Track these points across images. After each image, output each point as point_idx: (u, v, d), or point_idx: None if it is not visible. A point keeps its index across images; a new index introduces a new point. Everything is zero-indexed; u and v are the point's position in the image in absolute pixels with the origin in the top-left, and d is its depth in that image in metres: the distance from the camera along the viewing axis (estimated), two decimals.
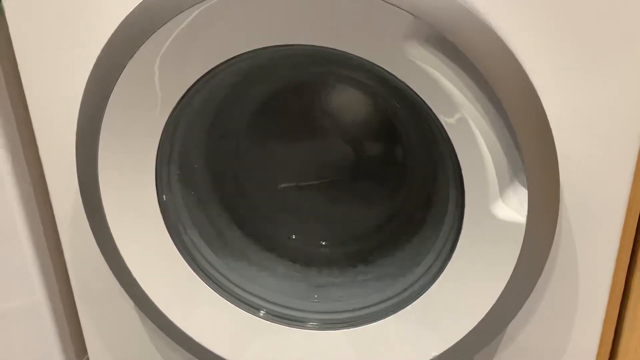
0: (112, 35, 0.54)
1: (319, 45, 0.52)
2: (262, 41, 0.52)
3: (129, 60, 0.53)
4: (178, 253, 0.66)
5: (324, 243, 0.78)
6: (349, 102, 0.74)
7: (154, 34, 0.52)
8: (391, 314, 0.64)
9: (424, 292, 0.62)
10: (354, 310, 0.68)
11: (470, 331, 0.59)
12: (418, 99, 0.52)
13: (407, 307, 0.63)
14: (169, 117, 0.59)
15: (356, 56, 0.51)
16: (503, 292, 0.56)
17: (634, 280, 0.63)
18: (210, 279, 0.68)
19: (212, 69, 0.55)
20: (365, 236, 0.78)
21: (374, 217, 0.78)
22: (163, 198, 0.64)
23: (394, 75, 0.52)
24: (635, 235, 0.61)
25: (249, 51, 0.53)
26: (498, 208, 0.54)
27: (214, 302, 0.67)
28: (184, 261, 0.66)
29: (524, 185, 0.53)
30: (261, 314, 0.68)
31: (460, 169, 0.54)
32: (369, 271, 0.73)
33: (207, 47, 0.54)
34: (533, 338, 0.65)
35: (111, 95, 0.55)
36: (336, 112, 0.74)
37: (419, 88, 0.51)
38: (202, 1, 0.50)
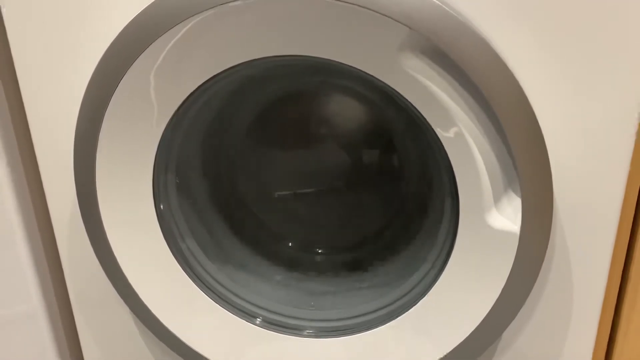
0: (110, 46, 0.54)
1: (315, 56, 0.52)
2: (257, 52, 0.53)
3: (126, 72, 0.53)
4: (175, 261, 0.66)
5: (320, 251, 0.78)
6: (345, 111, 0.74)
7: (150, 46, 0.52)
8: (387, 322, 0.64)
9: (420, 300, 0.62)
10: (350, 318, 0.68)
11: (465, 339, 0.59)
12: (414, 109, 0.53)
13: (403, 315, 0.63)
14: (166, 126, 0.59)
15: (353, 67, 0.52)
16: (497, 300, 0.57)
17: (628, 287, 0.63)
18: (207, 286, 0.68)
19: (209, 79, 0.56)
20: (362, 244, 0.78)
21: (370, 225, 0.78)
22: (160, 206, 0.65)
23: (390, 86, 0.52)
24: (629, 243, 0.62)
25: (245, 62, 0.54)
26: (492, 217, 0.54)
27: (211, 309, 0.68)
28: (181, 269, 0.66)
29: (517, 195, 0.53)
30: (257, 322, 0.69)
31: (454, 178, 0.54)
32: (365, 279, 0.73)
33: (203, 58, 0.54)
34: (528, 345, 0.66)
35: (109, 106, 0.56)
36: (333, 120, 0.75)
37: (414, 99, 0.52)
38: (198, 13, 0.50)
